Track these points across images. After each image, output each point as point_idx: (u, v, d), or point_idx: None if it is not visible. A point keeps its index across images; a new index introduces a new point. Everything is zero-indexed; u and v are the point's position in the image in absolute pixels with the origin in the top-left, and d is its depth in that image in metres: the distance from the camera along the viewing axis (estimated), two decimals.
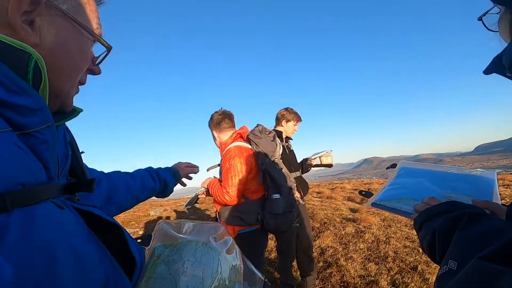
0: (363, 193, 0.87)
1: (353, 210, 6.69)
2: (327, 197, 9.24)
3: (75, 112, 0.56)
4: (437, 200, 0.67)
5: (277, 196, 1.92)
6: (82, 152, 0.61)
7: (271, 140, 2.11)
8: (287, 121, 2.83)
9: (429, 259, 2.62)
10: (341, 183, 13.73)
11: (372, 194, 0.82)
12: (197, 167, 1.26)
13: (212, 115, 2.18)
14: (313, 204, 7.08)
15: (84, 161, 0.66)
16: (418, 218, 0.63)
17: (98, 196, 0.84)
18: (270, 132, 2.19)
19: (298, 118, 2.87)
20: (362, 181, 15.67)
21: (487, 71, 0.56)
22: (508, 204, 0.53)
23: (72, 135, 0.61)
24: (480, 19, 0.59)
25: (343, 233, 4.71)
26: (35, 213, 0.36)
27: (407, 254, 3.60)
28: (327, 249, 4.04)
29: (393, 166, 0.98)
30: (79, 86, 0.56)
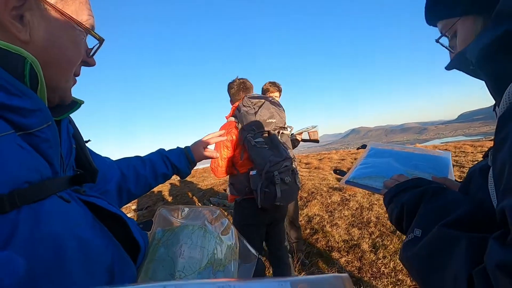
0: (337, 171, 0.96)
1: (340, 180, 6.95)
2: (315, 168, 9.50)
3: (77, 104, 0.58)
4: (405, 177, 0.74)
5: (253, 172, 1.92)
6: (88, 141, 0.64)
7: (256, 111, 1.97)
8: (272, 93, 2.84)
9: None
10: (329, 154, 14.06)
11: (346, 173, 0.91)
12: (217, 154, 1.11)
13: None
14: (302, 175, 7.29)
15: (91, 150, 0.70)
16: (388, 193, 0.69)
17: (111, 184, 0.84)
18: (256, 103, 2.01)
19: (279, 90, 2.87)
20: (350, 151, 16.06)
21: (449, 67, 0.60)
22: (460, 180, 0.60)
23: (76, 126, 0.63)
24: (437, 41, 0.63)
25: (329, 201, 4.95)
26: (41, 208, 0.40)
27: (388, 219, 3.85)
28: (314, 217, 4.26)
29: (364, 146, 1.07)
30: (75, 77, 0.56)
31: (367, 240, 3.32)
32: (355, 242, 3.30)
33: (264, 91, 2.84)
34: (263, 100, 2.03)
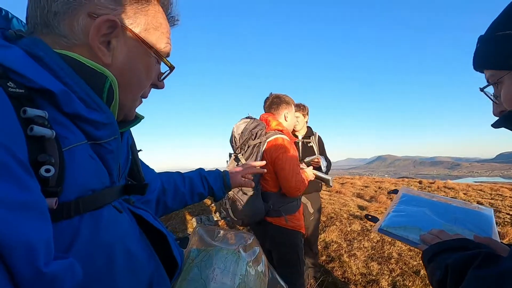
0: (370, 217, 0.92)
1: (361, 208, 6.69)
2: (336, 192, 9.24)
3: (138, 119, 0.61)
4: (446, 234, 0.70)
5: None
6: (140, 150, 0.67)
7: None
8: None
9: None
10: (352, 179, 13.64)
11: (378, 219, 0.87)
12: (252, 184, 1.09)
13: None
14: (322, 198, 7.12)
15: (141, 160, 0.74)
16: (429, 251, 0.65)
17: (153, 194, 0.86)
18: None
19: (301, 110, 2.84)
20: (374, 178, 15.49)
21: (496, 125, 0.58)
22: (508, 243, 0.55)
23: (133, 138, 0.66)
24: (482, 90, 0.61)
25: (348, 229, 4.76)
26: (100, 216, 0.43)
27: (411, 258, 3.62)
28: (331, 244, 4.11)
29: (395, 191, 1.04)
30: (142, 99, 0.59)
31: (387, 277, 3.13)
32: (373, 278, 3.12)
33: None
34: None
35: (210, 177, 1.03)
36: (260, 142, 1.88)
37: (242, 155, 1.89)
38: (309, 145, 2.92)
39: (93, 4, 0.45)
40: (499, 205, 7.02)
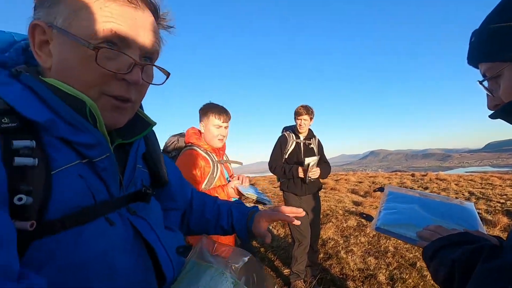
0: (364, 215, 0.94)
1: (356, 203, 6.75)
2: (331, 189, 9.30)
3: (150, 126, 0.62)
4: (444, 229, 0.70)
5: None
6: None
7: None
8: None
9: None
10: (346, 175, 13.76)
11: (372, 218, 0.89)
12: (269, 236, 0.85)
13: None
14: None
15: (173, 168, 0.78)
16: (430, 247, 0.64)
17: (177, 204, 0.84)
18: None
19: (308, 113, 2.87)
20: (368, 173, 15.66)
21: (494, 117, 0.59)
22: (505, 236, 0.56)
23: (151, 145, 0.68)
24: (481, 83, 0.61)
25: (345, 225, 4.80)
26: (84, 232, 0.44)
27: (407, 250, 3.66)
28: (328, 241, 4.13)
29: (381, 189, 1.07)
30: (134, 101, 0.54)
31: (384, 271, 3.16)
32: (371, 272, 3.16)
33: (295, 113, 2.86)
34: None
35: (235, 214, 0.90)
36: (173, 156, 1.92)
37: None
38: (310, 146, 2.97)
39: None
40: (489, 194, 7.18)
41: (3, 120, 0.42)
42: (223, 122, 1.79)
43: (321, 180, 3.06)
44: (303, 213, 0.92)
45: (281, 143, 2.95)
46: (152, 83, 0.56)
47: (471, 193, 7.60)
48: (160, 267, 0.56)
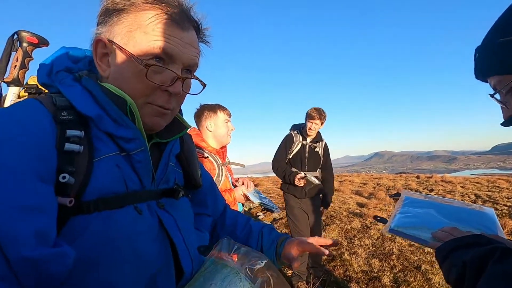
0: (378, 218, 0.96)
1: (360, 205, 6.72)
2: (335, 190, 9.27)
3: (185, 129, 0.69)
4: (459, 231, 0.70)
5: None
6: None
7: None
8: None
9: (433, 259, 2.60)
10: (350, 176, 13.69)
11: (387, 220, 0.89)
12: (299, 262, 0.84)
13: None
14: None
15: (207, 176, 0.83)
16: (443, 248, 0.64)
17: (207, 210, 0.86)
18: None
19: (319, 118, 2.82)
20: (372, 175, 15.56)
21: (506, 125, 0.59)
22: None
23: (186, 147, 0.74)
24: (492, 96, 0.62)
25: (349, 227, 4.77)
26: (115, 215, 0.51)
27: (411, 253, 3.64)
28: None
29: (397, 195, 1.08)
30: (173, 108, 0.60)
31: (388, 273, 3.14)
32: (374, 275, 3.14)
33: (307, 115, 2.81)
34: None
35: (266, 236, 0.88)
36: None
37: None
38: (315, 150, 2.92)
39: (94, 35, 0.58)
40: (496, 197, 7.08)
41: (62, 113, 0.51)
42: (229, 117, 1.85)
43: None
44: (331, 242, 0.88)
45: (287, 142, 2.93)
46: (190, 93, 0.64)
47: (477, 196, 7.51)
48: (179, 261, 0.60)
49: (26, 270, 0.39)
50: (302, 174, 2.75)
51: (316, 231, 2.94)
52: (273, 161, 3.00)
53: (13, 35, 0.88)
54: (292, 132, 2.96)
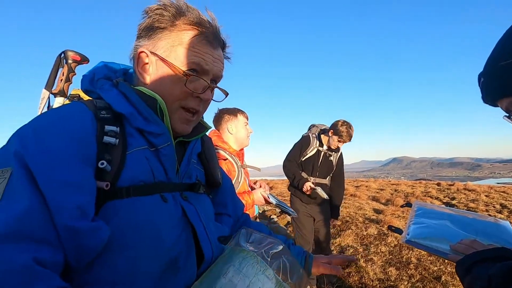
0: (393, 228, 0.95)
1: (377, 211, 6.55)
2: (351, 195, 9.09)
3: (205, 130, 0.79)
4: (480, 244, 0.68)
5: None
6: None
7: None
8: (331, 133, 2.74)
9: (454, 270, 2.49)
10: (367, 181, 13.39)
11: (402, 231, 0.88)
12: (338, 273, 0.82)
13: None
14: None
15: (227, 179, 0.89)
16: (464, 261, 0.63)
17: (232, 213, 0.90)
18: None
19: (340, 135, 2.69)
20: (389, 181, 15.14)
21: None
22: None
23: (206, 147, 0.83)
24: (508, 118, 0.62)
25: (365, 233, 4.66)
26: (143, 201, 0.58)
27: (431, 263, 3.50)
28: (347, 248, 4.04)
29: (408, 204, 1.07)
30: (200, 112, 0.71)
31: (406, 283, 3.04)
32: (391, 283, 3.04)
33: (336, 132, 2.66)
34: None
35: (292, 251, 0.84)
36: None
37: None
38: (329, 158, 2.86)
39: (137, 48, 0.67)
40: None
41: (101, 112, 0.61)
42: (247, 119, 1.93)
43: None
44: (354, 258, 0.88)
45: (303, 144, 2.87)
46: (214, 99, 0.74)
47: (503, 206, 7.14)
48: (201, 248, 0.65)
49: (68, 238, 0.47)
50: (312, 184, 2.67)
51: (322, 236, 2.89)
52: (285, 160, 2.95)
53: (60, 54, 1.02)
54: (310, 135, 2.88)
